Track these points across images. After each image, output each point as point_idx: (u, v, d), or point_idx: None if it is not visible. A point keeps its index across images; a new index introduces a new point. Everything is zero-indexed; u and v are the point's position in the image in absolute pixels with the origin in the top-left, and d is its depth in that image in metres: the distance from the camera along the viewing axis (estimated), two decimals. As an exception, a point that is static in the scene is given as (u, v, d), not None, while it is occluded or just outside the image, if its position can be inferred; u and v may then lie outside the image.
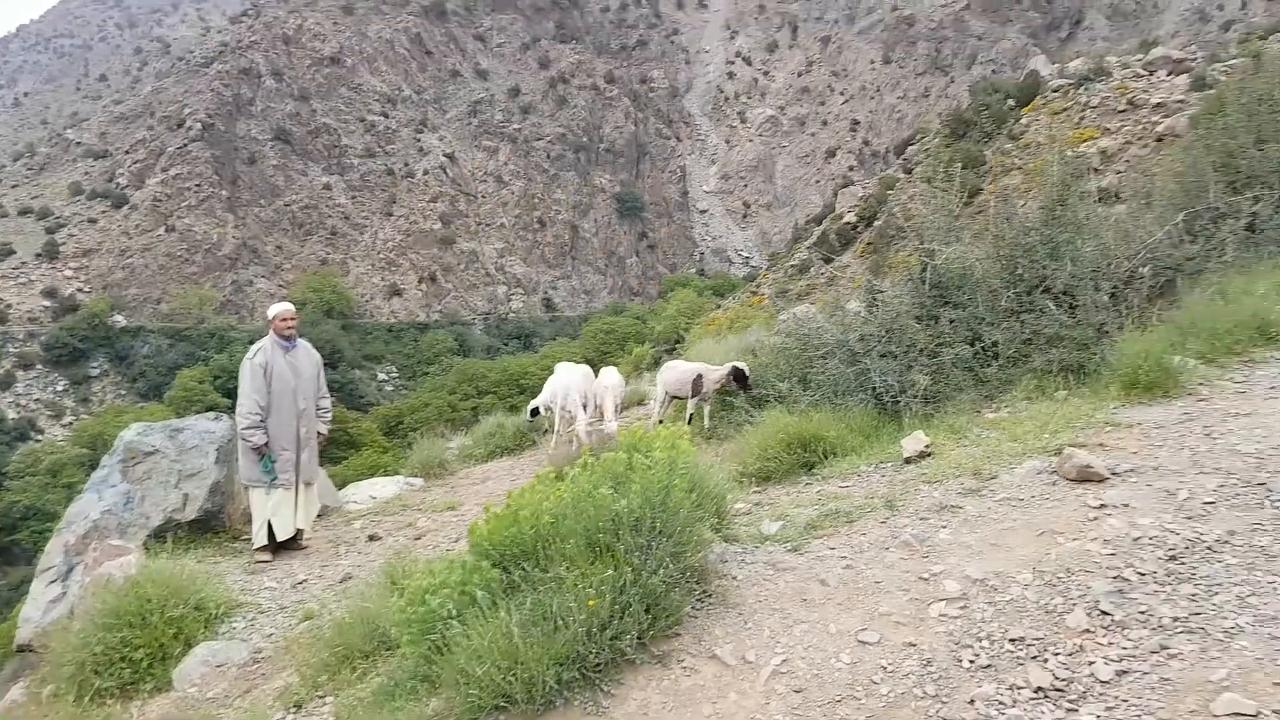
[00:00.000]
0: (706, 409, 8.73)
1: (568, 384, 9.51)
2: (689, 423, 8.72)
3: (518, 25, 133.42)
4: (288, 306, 7.43)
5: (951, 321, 6.93)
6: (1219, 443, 4.57)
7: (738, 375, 8.19)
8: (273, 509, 7.03)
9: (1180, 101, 32.51)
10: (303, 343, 7.49)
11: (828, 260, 42.90)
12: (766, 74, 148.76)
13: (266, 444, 6.97)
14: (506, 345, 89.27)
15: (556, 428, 9.68)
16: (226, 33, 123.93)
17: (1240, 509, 3.87)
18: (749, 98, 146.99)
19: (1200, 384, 5.37)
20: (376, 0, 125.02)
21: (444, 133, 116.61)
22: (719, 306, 45.77)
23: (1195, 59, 40.13)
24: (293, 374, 7.18)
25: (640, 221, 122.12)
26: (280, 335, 7.22)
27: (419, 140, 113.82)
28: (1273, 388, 5.21)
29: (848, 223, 45.68)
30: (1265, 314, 5.89)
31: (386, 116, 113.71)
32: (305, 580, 6.42)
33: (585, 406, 9.40)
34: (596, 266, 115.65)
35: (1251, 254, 7.35)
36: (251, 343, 7.56)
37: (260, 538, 7.03)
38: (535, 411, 10.28)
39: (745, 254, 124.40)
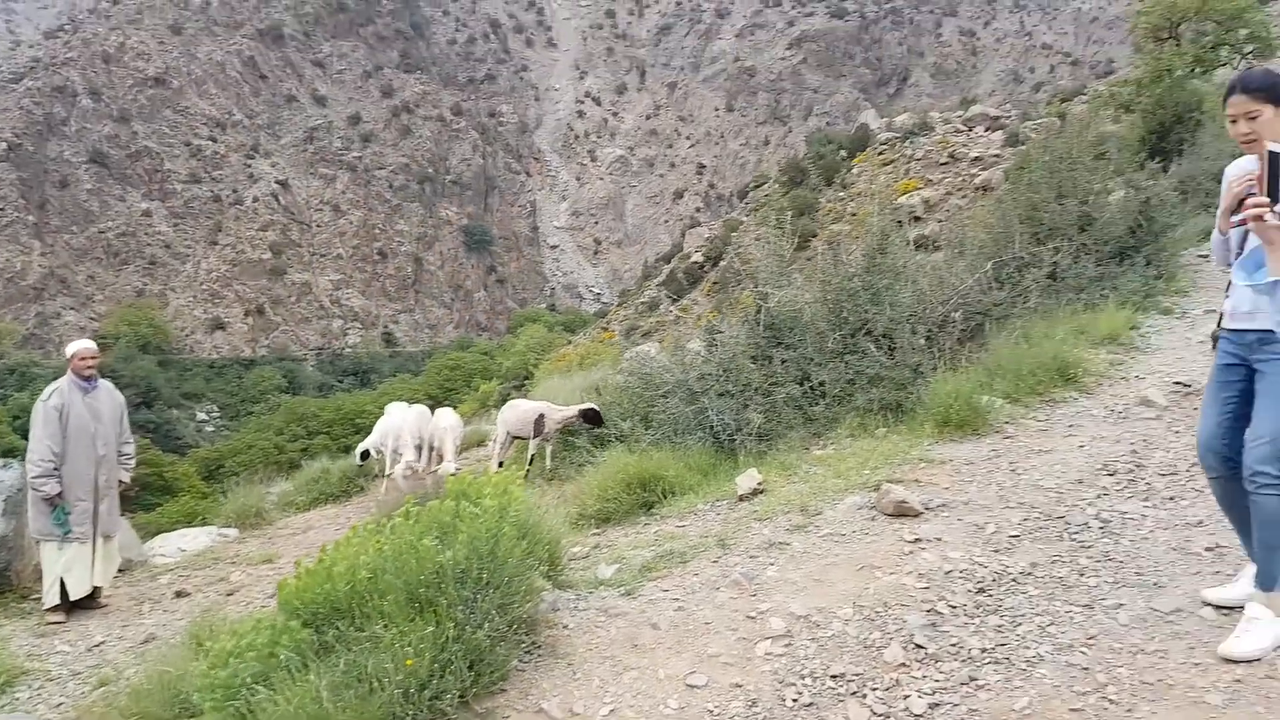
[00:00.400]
0: (549, 449, 8.68)
1: (399, 425, 9.24)
2: (530, 463, 8.65)
3: (360, 53, 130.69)
4: (88, 344, 6.95)
5: (784, 361, 7.22)
6: (1023, 478, 4.94)
7: (590, 416, 8.19)
8: (66, 565, 6.50)
9: (996, 155, 35.52)
10: (104, 383, 7.02)
11: (675, 298, 43.95)
12: (616, 115, 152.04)
13: (60, 494, 6.47)
14: (341, 382, 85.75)
15: (388, 471, 9.36)
16: (39, 48, 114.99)
17: (1042, 541, 4.19)
18: (599, 137, 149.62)
19: (1006, 422, 5.81)
20: (207, 21, 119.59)
21: (277, 159, 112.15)
22: (570, 342, 45.85)
23: (1009, 117, 43.99)
24: (92, 417, 6.71)
25: (489, 255, 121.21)
26: (79, 375, 6.77)
27: (249, 166, 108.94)
28: (1071, 426, 5.70)
29: (695, 262, 47.02)
30: (1064, 356, 6.46)
31: (215, 141, 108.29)
32: (102, 643, 5.92)
33: (421, 448, 9.16)
34: (442, 300, 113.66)
35: (1053, 300, 8.07)
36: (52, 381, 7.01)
37: (52, 597, 6.47)
38: (366, 454, 9.91)
39: (596, 290, 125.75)
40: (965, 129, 41.52)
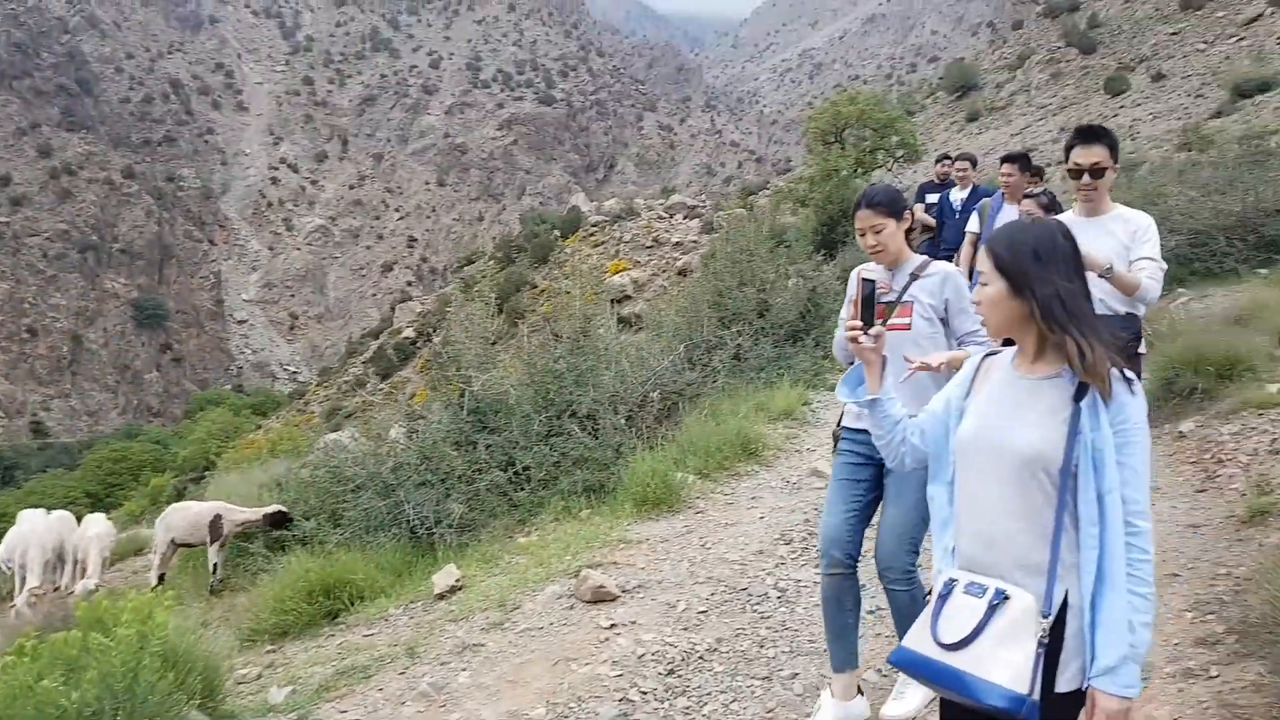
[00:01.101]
0: (222, 556, 7.92)
1: (27, 538, 8.00)
2: (214, 573, 7.83)
3: (12, 108, 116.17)
4: None
5: (488, 447, 7.19)
6: (711, 552, 5.24)
7: (277, 519, 7.55)
8: None
9: (695, 241, 38.35)
10: None
11: (384, 375, 42.54)
12: (315, 183, 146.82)
13: None
14: (-24, 483, 73.32)
15: (17, 591, 8.06)
16: None
17: (727, 615, 4.44)
18: (296, 205, 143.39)
19: (698, 497, 6.17)
20: None
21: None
22: (260, 427, 42.58)
23: (704, 206, 47.99)
24: None
25: (163, 331, 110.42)
26: None
27: None
28: (753, 498, 6.17)
29: (406, 338, 45.96)
30: (746, 432, 7.01)
31: None
32: None
33: (62, 562, 7.98)
34: (105, 383, 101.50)
35: (737, 379, 8.78)
36: None
37: None
38: (-6, 571, 8.49)
39: (292, 368, 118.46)
40: (667, 216, 44.67)
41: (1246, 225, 10.33)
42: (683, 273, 33.54)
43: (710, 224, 38.56)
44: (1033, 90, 67.67)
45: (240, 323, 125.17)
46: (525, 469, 6.92)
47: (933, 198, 9.16)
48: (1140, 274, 3.69)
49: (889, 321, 3.06)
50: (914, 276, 3.26)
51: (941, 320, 3.24)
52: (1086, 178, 3.71)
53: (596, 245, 41.46)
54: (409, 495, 6.71)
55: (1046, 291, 1.89)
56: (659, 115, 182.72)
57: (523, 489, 6.89)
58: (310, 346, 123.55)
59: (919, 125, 59.52)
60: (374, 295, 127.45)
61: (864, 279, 2.25)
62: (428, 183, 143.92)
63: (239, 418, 44.08)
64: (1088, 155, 3.72)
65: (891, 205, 3.20)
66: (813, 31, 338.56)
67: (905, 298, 3.22)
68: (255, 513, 7.68)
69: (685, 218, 44.55)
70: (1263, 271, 9.79)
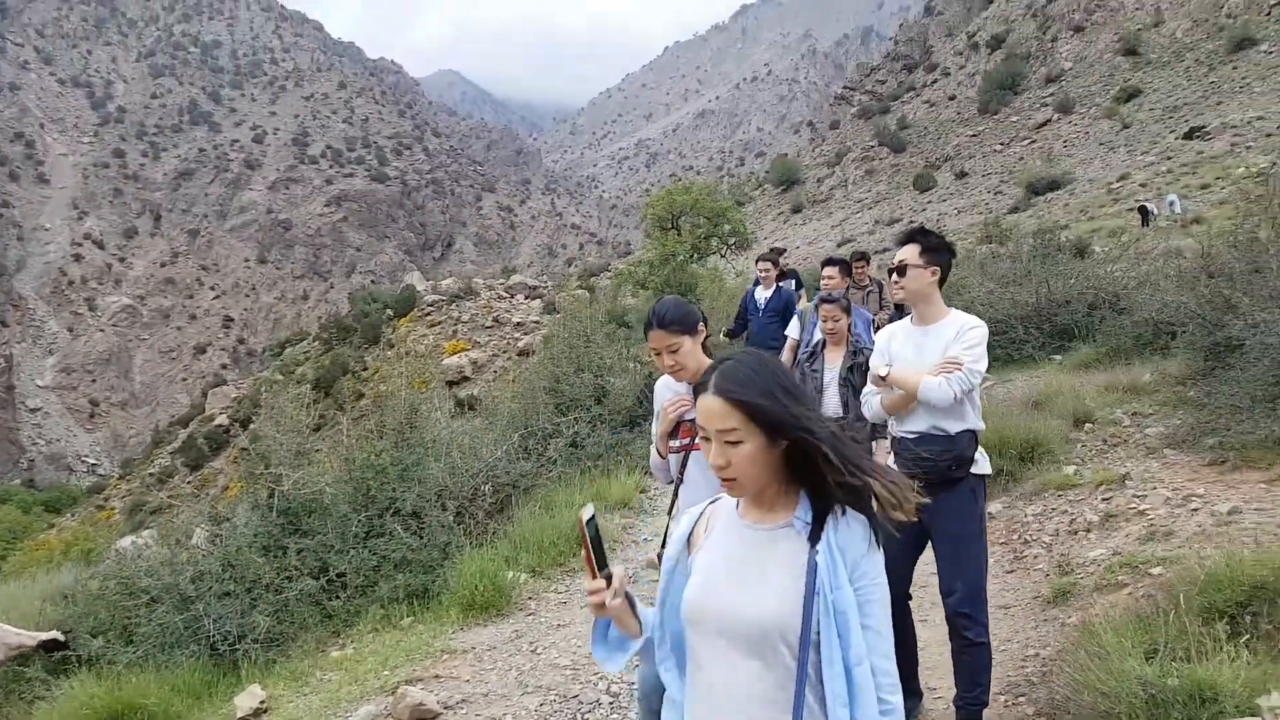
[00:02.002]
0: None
1: None
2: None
3: None
4: None
5: (300, 551, 6.77)
6: (542, 658, 5.08)
7: (53, 646, 6.75)
8: None
9: (536, 321, 38.52)
10: None
11: (195, 467, 39.98)
12: (123, 260, 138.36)
13: None
14: None
15: None
16: None
17: (557, 726, 4.29)
18: (101, 283, 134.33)
19: (529, 598, 6.00)
20: None
21: None
22: (53, 526, 38.83)
23: (546, 287, 48.37)
24: None
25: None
26: None
27: None
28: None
29: (219, 425, 43.42)
30: (581, 525, 6.91)
31: None
32: None
33: None
34: None
35: (574, 468, 8.71)
36: None
37: None
38: None
39: (92, 460, 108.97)
40: (508, 295, 44.70)
41: (1041, 314, 11.33)
42: (524, 353, 33.47)
43: (552, 304, 38.87)
44: (850, 185, 72.85)
45: (33, 410, 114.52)
46: (341, 575, 6.54)
47: (761, 293, 9.50)
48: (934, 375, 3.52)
49: (696, 440, 2.86)
50: None
51: None
52: (895, 275, 3.77)
53: (433, 325, 40.84)
54: (210, 608, 6.20)
55: (822, 432, 1.69)
56: (499, 196, 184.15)
57: (337, 597, 6.49)
58: (112, 436, 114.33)
59: (749, 215, 62.85)
60: (185, 380, 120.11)
61: (584, 522, 1.81)
62: (248, 260, 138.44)
63: (28, 516, 40.22)
64: (898, 255, 3.79)
65: (684, 321, 3.05)
66: (647, 123, 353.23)
67: None
68: (31, 637, 6.87)
69: (526, 298, 44.77)
70: (1057, 357, 10.72)
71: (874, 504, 1.71)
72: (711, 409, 1.72)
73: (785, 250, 10.89)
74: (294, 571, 6.52)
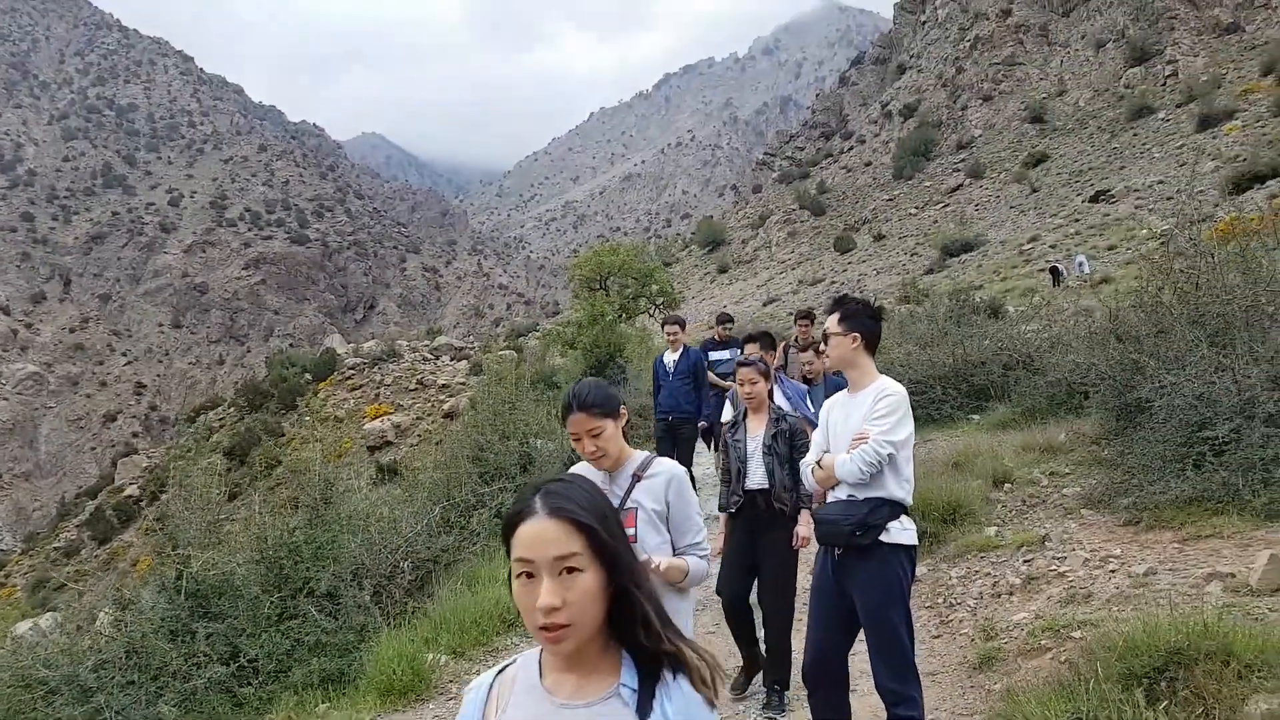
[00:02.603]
0: None
1: None
2: None
3: None
4: None
5: (209, 636, 6.46)
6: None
7: None
8: None
9: (462, 384, 38.05)
10: None
11: (103, 540, 38.19)
12: (30, 326, 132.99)
13: None
14: None
15: None
16: None
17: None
18: (5, 350, 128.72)
19: (450, 681, 5.77)
20: None
21: None
22: (-58, 609, 36.42)
23: (473, 348, 47.93)
24: None
25: None
26: None
27: None
28: (511, 676, 5.86)
29: (129, 496, 41.65)
30: (506, 601, 6.70)
31: None
32: None
33: None
34: None
35: (499, 541, 8.50)
36: None
37: None
38: None
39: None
40: (433, 357, 44.14)
41: (958, 375, 11.62)
42: (449, 415, 33.00)
43: (479, 365, 38.51)
44: (773, 247, 74.57)
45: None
46: (252, 660, 6.24)
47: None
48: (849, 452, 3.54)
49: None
50: (636, 478, 2.91)
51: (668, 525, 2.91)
52: (822, 344, 4.06)
53: (354, 389, 40.03)
54: (112, 699, 5.87)
55: (647, 587, 1.45)
56: (423, 257, 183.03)
57: (249, 684, 6.18)
58: (15, 509, 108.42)
59: (676, 275, 63.77)
60: (94, 449, 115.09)
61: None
62: (161, 325, 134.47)
63: (-86, 599, 37.60)
64: (823, 323, 3.91)
65: (606, 405, 2.88)
66: (574, 185, 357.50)
67: (628, 504, 2.87)
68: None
69: (452, 359, 44.28)
70: (974, 417, 10.97)
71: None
72: (545, 534, 1.41)
73: (733, 319, 10.71)
74: (203, 657, 6.21)
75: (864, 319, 3.72)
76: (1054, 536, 6.06)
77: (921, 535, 6.76)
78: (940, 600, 5.89)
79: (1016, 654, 4.58)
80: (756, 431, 4.87)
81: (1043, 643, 4.48)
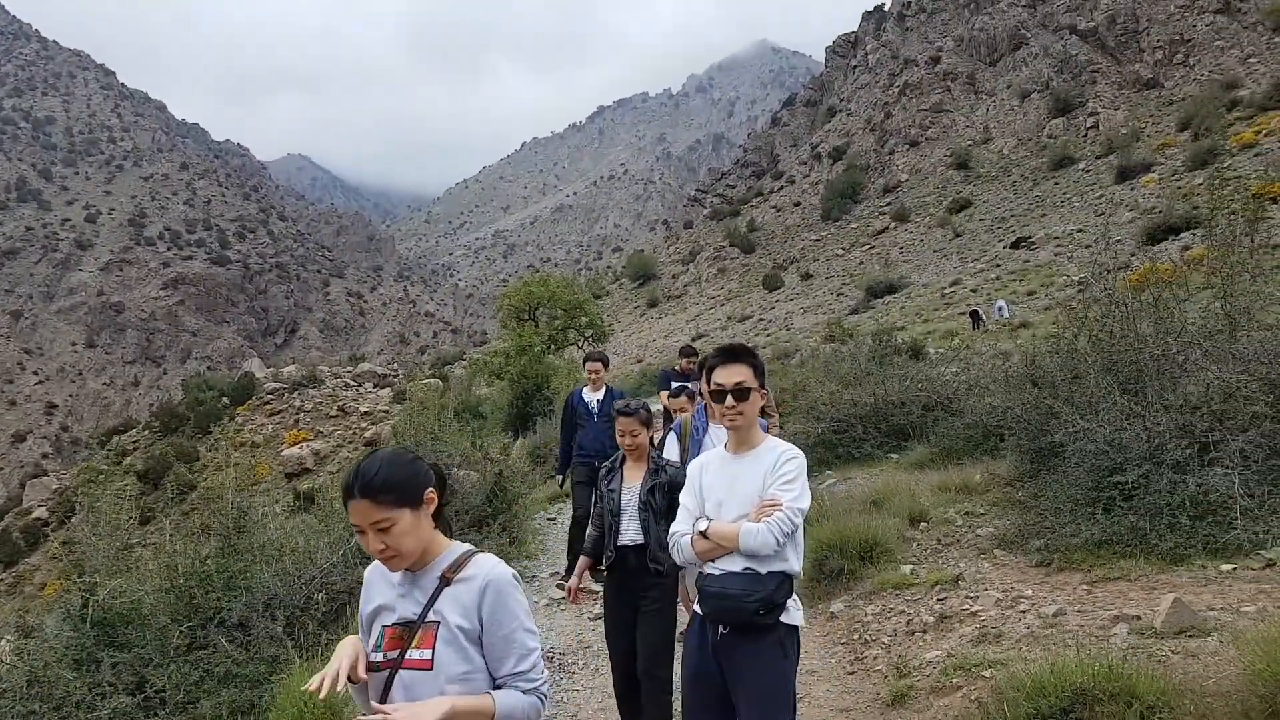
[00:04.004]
0: None
1: None
2: None
3: None
4: None
5: (115, 666, 6.22)
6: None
7: None
8: None
9: (385, 411, 37.42)
10: None
11: (9, 563, 36.49)
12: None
13: None
14: None
15: None
16: None
17: None
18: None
19: (363, 715, 5.63)
20: None
21: None
22: None
23: (397, 375, 47.22)
24: None
25: None
26: None
27: None
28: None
29: (37, 519, 39.97)
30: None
31: None
32: None
33: None
34: None
35: (418, 572, 8.36)
36: None
37: None
38: None
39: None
40: (355, 384, 43.38)
41: (879, 414, 11.87)
42: (371, 444, 32.39)
43: (402, 393, 37.94)
44: (703, 282, 75.51)
45: None
46: (160, 691, 6.02)
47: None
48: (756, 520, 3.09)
49: (406, 655, 2.17)
50: (445, 580, 2.22)
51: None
52: (730, 399, 3.18)
53: (273, 414, 39.12)
54: (3, 737, 5.59)
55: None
56: (347, 282, 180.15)
57: (155, 715, 5.97)
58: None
59: (606, 308, 64.04)
60: (1, 469, 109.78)
61: None
62: (75, 344, 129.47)
63: None
64: (729, 375, 3.21)
65: (402, 490, 2.15)
66: (505, 215, 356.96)
67: (429, 617, 2.19)
68: None
69: (375, 386, 43.59)
70: (894, 456, 11.22)
71: None
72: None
73: (696, 351, 10.33)
74: (108, 687, 5.98)
75: (763, 372, 3.31)
76: (968, 576, 6.21)
77: (839, 572, 6.92)
78: (855, 637, 5.98)
79: (929, 692, 4.66)
80: (633, 482, 4.53)
81: (954, 681, 4.58)
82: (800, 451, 3.22)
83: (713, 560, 3.17)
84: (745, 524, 3.08)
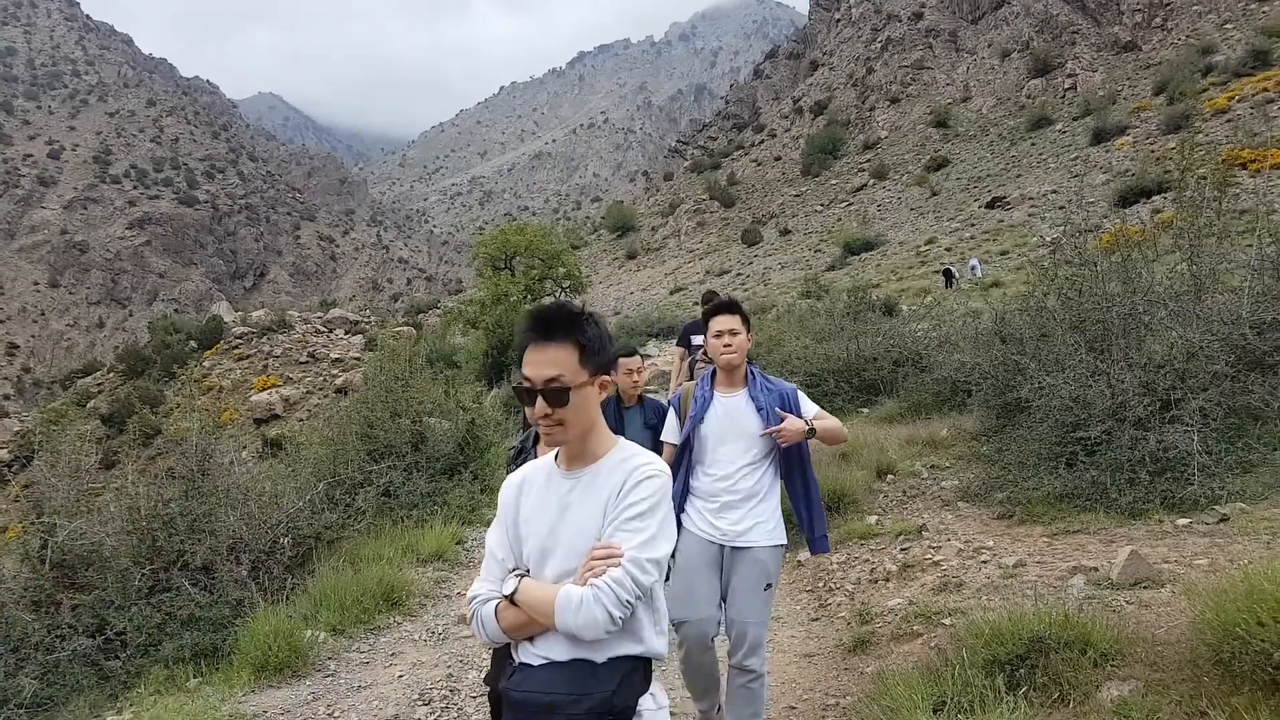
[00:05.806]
0: None
1: None
2: None
3: None
4: None
5: (75, 607, 6.21)
6: (339, 724, 4.81)
7: None
8: None
9: (356, 358, 37.17)
10: None
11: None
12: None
13: None
14: None
15: None
16: None
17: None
18: None
19: (330, 658, 5.68)
20: None
21: None
22: None
23: (369, 322, 46.82)
24: None
25: None
26: None
27: None
28: (393, 655, 5.80)
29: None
30: (390, 579, 6.64)
31: None
32: None
33: None
34: None
35: (386, 518, 8.39)
36: None
37: None
38: None
39: None
40: (325, 330, 42.99)
41: (851, 369, 11.97)
42: (341, 390, 32.23)
43: (374, 340, 37.69)
44: (682, 235, 75.17)
45: None
46: (121, 633, 6.02)
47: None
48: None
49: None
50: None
51: None
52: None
53: (241, 359, 38.73)
54: (-36, 673, 5.57)
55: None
56: (319, 225, 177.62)
57: (117, 657, 5.97)
58: None
59: (584, 259, 63.58)
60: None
61: None
62: (37, 283, 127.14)
63: None
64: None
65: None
66: (482, 160, 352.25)
67: None
68: None
69: (347, 333, 43.24)
70: (864, 410, 11.33)
71: None
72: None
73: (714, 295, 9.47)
74: (67, 629, 5.97)
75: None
76: (931, 527, 6.32)
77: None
78: (820, 585, 6.08)
79: (889, 638, 4.76)
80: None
81: (915, 628, 4.67)
82: (665, 468, 2.08)
83: (530, 640, 2.04)
84: (564, 589, 1.96)
